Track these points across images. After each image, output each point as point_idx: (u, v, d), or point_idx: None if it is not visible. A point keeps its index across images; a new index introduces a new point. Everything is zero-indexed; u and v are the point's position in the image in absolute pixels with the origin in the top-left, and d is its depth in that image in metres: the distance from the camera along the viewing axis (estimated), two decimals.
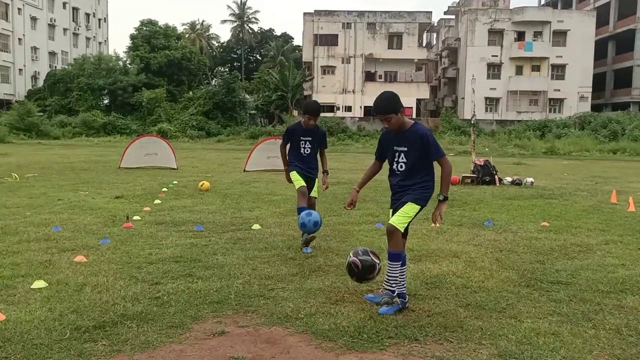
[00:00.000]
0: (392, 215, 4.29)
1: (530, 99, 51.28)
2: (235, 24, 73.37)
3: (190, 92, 49.75)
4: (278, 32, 78.58)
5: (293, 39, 74.77)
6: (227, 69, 72.06)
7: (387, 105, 4.10)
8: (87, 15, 66.98)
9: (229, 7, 76.00)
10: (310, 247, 6.15)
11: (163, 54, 49.02)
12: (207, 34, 73.86)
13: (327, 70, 50.91)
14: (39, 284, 4.64)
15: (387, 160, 4.39)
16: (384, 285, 4.27)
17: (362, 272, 4.18)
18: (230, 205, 9.57)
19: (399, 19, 51.39)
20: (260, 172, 16.02)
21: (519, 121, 45.26)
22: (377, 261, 4.23)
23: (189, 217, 8.22)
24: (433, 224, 4.47)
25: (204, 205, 9.57)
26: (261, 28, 78.02)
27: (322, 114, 49.23)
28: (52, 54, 59.67)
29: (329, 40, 50.84)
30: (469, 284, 4.90)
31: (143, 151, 17.07)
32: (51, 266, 5.28)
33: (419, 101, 53.59)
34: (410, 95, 50.46)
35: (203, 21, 73.58)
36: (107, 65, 48.27)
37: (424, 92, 52.89)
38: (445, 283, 4.92)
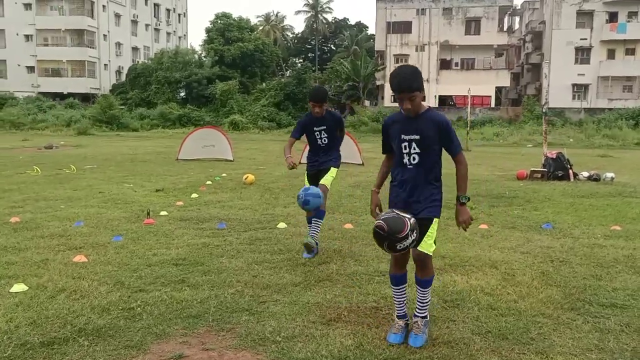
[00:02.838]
0: None
1: (623, 85, 47.35)
2: (309, 14, 73.15)
3: (263, 84, 50.08)
4: (352, 21, 77.65)
5: (367, 27, 73.58)
6: (301, 60, 72.09)
7: (414, 80, 3.31)
8: (168, 10, 69.10)
9: None
10: (312, 254, 5.47)
11: (236, 47, 49.61)
12: (281, 25, 74.18)
13: (400, 58, 49.40)
14: (19, 287, 4.33)
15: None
16: (417, 314, 3.53)
17: (391, 231, 3.22)
18: (267, 201, 9.08)
19: (477, 2, 48.97)
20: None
21: (610, 109, 41.97)
22: (407, 215, 3.30)
23: (217, 213, 7.81)
24: (465, 230, 3.69)
25: (240, 200, 9.15)
26: (335, 18, 77.40)
27: (394, 104, 48.10)
28: (134, 49, 62.08)
29: (402, 27, 49.29)
30: (497, 304, 4.09)
31: (201, 143, 17.01)
32: (44, 267, 4.98)
33: (498, 89, 50.98)
34: (489, 82, 48.07)
35: (277, 13, 74.04)
36: (183, 59, 49.50)
37: (504, 80, 50.18)
38: (469, 302, 4.13)
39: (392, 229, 3.23)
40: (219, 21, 51.68)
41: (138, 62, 57.15)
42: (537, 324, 3.71)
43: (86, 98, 52.60)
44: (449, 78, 48.89)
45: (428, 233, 3.46)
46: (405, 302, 3.60)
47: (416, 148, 3.40)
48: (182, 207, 8.36)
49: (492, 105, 48.49)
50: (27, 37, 55.28)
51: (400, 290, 3.56)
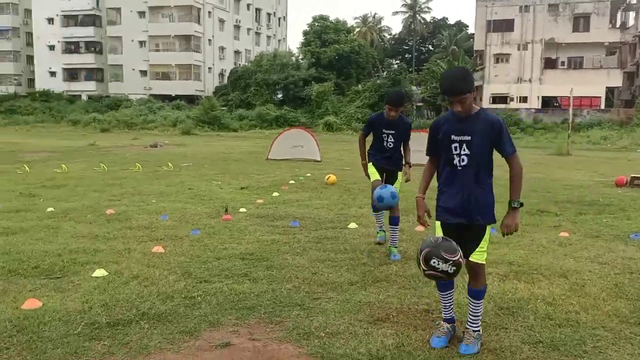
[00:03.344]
0: (447, 229, 3.44)
1: None
2: (407, 14, 72.39)
3: (359, 86, 50.30)
4: (452, 21, 75.88)
5: (467, 26, 71.53)
6: (397, 61, 71.64)
7: (465, 81, 3.27)
8: (268, 15, 71.32)
9: None
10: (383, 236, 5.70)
11: (333, 48, 50.20)
12: (378, 26, 74.01)
13: (501, 58, 47.58)
14: (100, 272, 4.75)
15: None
16: (468, 326, 3.45)
17: (439, 248, 3.20)
18: (344, 201, 9.19)
19: None
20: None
21: None
22: (456, 255, 3.19)
23: (293, 212, 8.03)
24: (504, 235, 3.55)
25: (318, 199, 9.33)
26: (434, 17, 76.00)
27: (494, 105, 46.53)
28: (236, 52, 64.69)
29: (504, 25, 47.39)
30: (556, 314, 3.92)
31: (290, 143, 17.47)
32: (126, 255, 5.42)
33: (609, 90, 47.62)
34: (598, 83, 45.06)
35: (375, 14, 73.87)
36: (281, 61, 50.87)
37: (616, 80, 46.77)
38: (525, 310, 3.99)
39: (442, 249, 3.19)
40: (316, 24, 52.57)
41: (239, 65, 59.52)
42: (595, 337, 3.53)
43: (192, 100, 55.55)
44: (554, 78, 46.36)
45: (481, 243, 3.39)
46: (452, 306, 3.54)
47: (466, 149, 3.33)
48: (261, 204, 8.68)
49: (602, 106, 45.38)
50: (141, 44, 59.35)
51: (448, 295, 3.51)
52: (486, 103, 46.51)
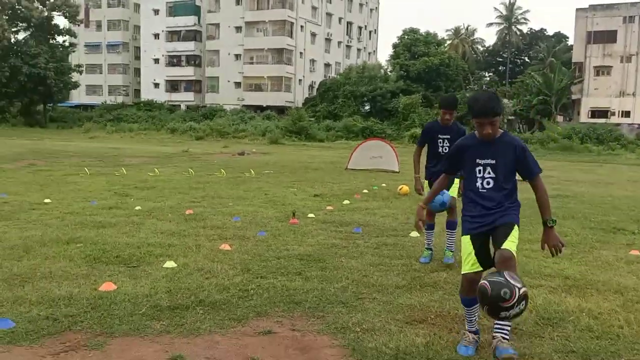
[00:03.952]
0: (477, 239, 3.48)
1: None
2: (502, 26, 70.46)
3: None
4: (550, 32, 72.92)
5: (567, 38, 68.33)
6: (490, 74, 69.84)
7: (496, 105, 3.35)
8: (360, 28, 72.16)
9: (496, 9, 73.48)
10: (428, 257, 5.73)
11: (422, 61, 49.99)
12: (471, 38, 72.57)
13: (601, 70, 45.22)
14: (170, 264, 5.25)
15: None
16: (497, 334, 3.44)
17: (493, 297, 3.00)
18: (412, 211, 9.26)
19: None
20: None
21: None
22: (518, 285, 3.03)
23: (359, 219, 8.27)
24: (553, 255, 3.52)
25: (387, 208, 9.51)
26: (531, 29, 73.41)
27: (592, 120, 44.14)
28: (327, 65, 66.00)
29: (605, 37, 45.05)
30: (597, 327, 3.89)
31: (369, 154, 17.72)
32: (195, 251, 5.90)
33: None
34: None
35: (468, 26, 72.28)
36: (369, 74, 51.30)
37: None
38: (567, 322, 3.99)
39: (495, 295, 2.99)
40: (406, 36, 52.60)
41: (329, 77, 60.66)
42: (633, 350, 3.49)
43: (282, 110, 57.29)
44: None
45: (511, 234, 3.39)
46: (476, 319, 3.59)
47: (491, 173, 3.42)
48: (330, 211, 8.99)
49: None
50: (237, 57, 62.14)
51: (473, 310, 3.54)
52: (584, 117, 44.33)
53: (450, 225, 5.83)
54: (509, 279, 3.05)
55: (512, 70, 69.18)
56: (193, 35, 64.40)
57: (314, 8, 62.89)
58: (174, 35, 65.10)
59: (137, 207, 8.66)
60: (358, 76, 51.23)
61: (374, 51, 76.36)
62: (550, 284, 4.95)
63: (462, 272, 3.53)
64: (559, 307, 4.28)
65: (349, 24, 69.68)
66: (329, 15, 65.50)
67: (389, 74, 52.52)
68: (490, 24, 71.88)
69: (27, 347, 3.37)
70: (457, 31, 71.86)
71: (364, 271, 5.28)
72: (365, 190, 11.99)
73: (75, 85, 58.99)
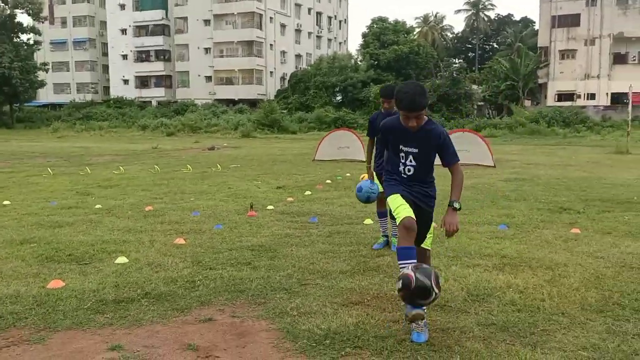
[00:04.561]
0: (408, 201, 3.63)
1: None
2: (470, 12, 71.17)
3: None
4: (517, 17, 73.90)
5: (534, 23, 69.31)
6: (460, 60, 70.47)
7: (425, 97, 3.48)
8: (329, 18, 72.17)
9: None
10: (382, 244, 5.94)
11: (392, 50, 50.35)
12: (440, 25, 73.19)
13: (566, 54, 46.07)
14: (121, 260, 5.36)
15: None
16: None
17: (414, 292, 3.30)
18: None
19: None
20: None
21: None
22: (437, 290, 3.34)
23: (317, 209, 8.45)
24: (447, 235, 3.75)
25: (347, 197, 9.71)
26: (498, 14, 74.45)
27: (559, 103, 44.99)
28: (297, 56, 65.95)
29: (569, 20, 45.87)
30: (521, 301, 4.13)
31: (336, 145, 17.91)
32: (149, 246, 6.02)
33: None
34: None
35: (437, 13, 72.93)
36: (340, 64, 51.48)
37: None
38: (493, 297, 4.23)
39: (416, 291, 3.27)
40: (375, 26, 52.86)
41: (300, 68, 60.65)
42: (550, 322, 3.73)
43: (254, 103, 57.17)
44: (624, 74, 44.35)
45: (430, 230, 3.65)
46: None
47: (412, 161, 3.61)
48: (290, 202, 9.16)
49: None
50: (206, 50, 61.74)
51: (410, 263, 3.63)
52: (551, 101, 45.17)
53: (382, 215, 6.06)
54: (434, 285, 3.30)
55: (482, 56, 70.02)
56: (161, 30, 63.75)
57: None
58: (141, 30, 64.34)
59: (97, 206, 8.71)
60: (329, 67, 51.39)
61: (345, 41, 76.49)
62: (487, 263, 5.19)
63: (399, 220, 3.54)
64: (488, 284, 4.52)
65: (319, 14, 69.66)
66: (297, 5, 65.38)
67: (360, 63, 52.74)
68: (459, 11, 72.86)
69: None
70: (426, 19, 72.38)
71: (312, 259, 5.46)
72: (329, 181, 12.19)
73: (42, 84, 57.94)
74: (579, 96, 45.47)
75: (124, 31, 64.89)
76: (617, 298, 4.17)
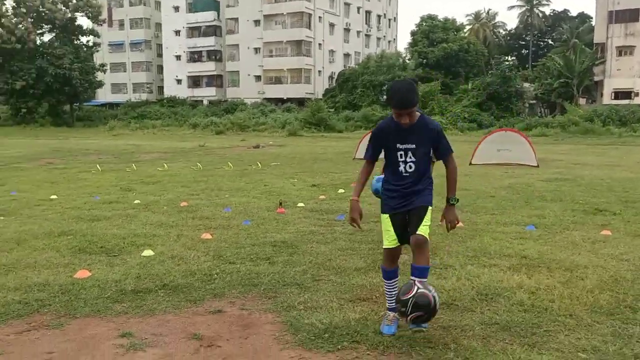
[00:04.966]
0: (395, 218, 3.67)
1: None
2: (524, 8, 69.27)
3: (469, 84, 49.19)
4: (574, 12, 71.40)
5: (591, 18, 66.77)
6: (513, 58, 68.82)
7: (415, 94, 3.54)
8: (379, 16, 71.84)
9: None
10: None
11: (440, 48, 49.66)
12: (492, 22, 71.59)
13: (624, 50, 44.19)
14: (147, 252, 5.61)
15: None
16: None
17: (430, 312, 3.38)
18: None
19: None
20: (487, 166, 15.22)
21: None
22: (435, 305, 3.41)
23: (346, 207, 8.41)
24: (448, 230, 3.78)
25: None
26: (553, 10, 72.18)
27: (615, 101, 43.21)
28: (346, 55, 65.99)
29: (628, 15, 43.97)
30: (529, 301, 4.09)
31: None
32: (175, 240, 6.26)
33: None
34: None
35: (489, 10, 71.50)
36: (387, 62, 51.16)
37: None
38: (501, 297, 4.20)
39: (432, 311, 3.37)
40: (424, 24, 52.27)
41: (348, 67, 60.67)
42: (555, 323, 3.69)
43: (302, 102, 57.58)
44: None
45: (425, 219, 3.62)
46: (396, 295, 3.82)
47: (412, 157, 3.60)
48: (321, 200, 9.26)
49: None
50: (256, 50, 62.65)
51: (393, 283, 3.76)
52: (607, 98, 43.48)
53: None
54: (435, 304, 3.39)
55: (536, 53, 68.05)
56: (213, 31, 65.11)
57: None
58: (194, 31, 65.91)
59: (136, 201, 9.08)
60: (376, 65, 51.15)
61: (394, 39, 75.93)
62: (504, 263, 5.14)
63: (384, 247, 3.75)
64: (499, 284, 4.49)
65: (368, 12, 69.44)
66: (347, 4, 65.39)
67: (408, 62, 52.26)
68: (512, 7, 70.80)
69: None
70: (477, 16, 70.96)
71: (330, 255, 5.55)
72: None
73: (100, 84, 60.25)
74: (637, 94, 43.55)
75: (177, 32, 66.68)
76: (631, 301, 4.06)
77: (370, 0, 69.61)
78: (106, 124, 53.11)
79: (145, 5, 71.73)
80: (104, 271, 4.99)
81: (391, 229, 3.71)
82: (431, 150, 3.69)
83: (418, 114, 3.65)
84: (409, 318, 3.37)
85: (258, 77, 62.57)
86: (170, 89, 65.93)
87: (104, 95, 71.02)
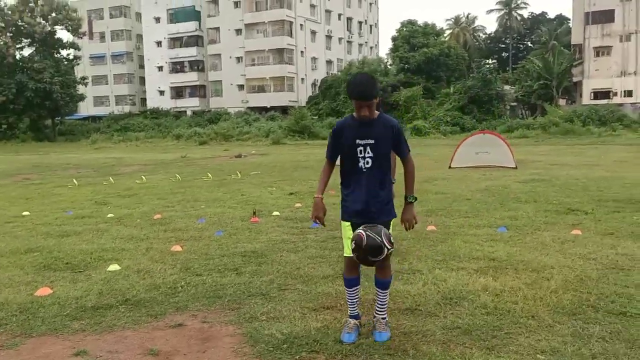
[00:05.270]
0: (356, 227, 3.63)
1: None
2: (502, 12, 70.02)
3: (451, 88, 49.50)
4: (552, 15, 72.28)
5: (569, 20, 67.62)
6: (494, 61, 69.41)
7: (374, 87, 3.54)
8: (360, 23, 72.17)
9: None
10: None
11: (421, 52, 49.93)
12: (472, 26, 72.30)
13: (601, 51, 44.77)
14: (113, 267, 5.52)
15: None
16: (377, 314, 3.69)
17: (366, 250, 3.37)
18: None
19: None
20: (466, 169, 15.28)
21: None
22: (389, 246, 3.41)
23: None
24: (406, 229, 3.77)
25: None
26: (531, 13, 72.98)
27: (595, 101, 43.74)
28: (328, 62, 66.14)
29: (604, 16, 44.58)
30: (493, 304, 4.08)
31: None
32: (144, 253, 6.17)
33: None
34: None
35: (468, 14, 72.03)
36: (369, 68, 51.35)
37: None
38: (466, 300, 4.19)
39: (368, 248, 3.37)
40: (404, 29, 52.57)
41: (331, 74, 60.81)
42: (516, 325, 3.67)
43: (285, 110, 57.57)
44: None
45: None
46: (358, 302, 3.79)
47: (370, 152, 3.59)
48: (297, 208, 9.21)
49: None
50: (238, 59, 62.59)
51: (354, 291, 3.74)
52: (586, 99, 43.99)
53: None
54: (385, 242, 3.40)
55: (515, 55, 68.75)
56: (195, 41, 64.95)
57: (313, 6, 63.07)
58: (176, 41, 65.72)
59: (110, 215, 8.96)
60: (358, 71, 51.27)
61: (376, 45, 76.31)
62: (472, 266, 5.13)
63: (344, 255, 3.74)
64: (465, 288, 4.47)
65: (349, 19, 69.75)
66: (328, 12, 65.63)
67: (389, 67, 52.49)
68: (491, 11, 71.83)
69: None
70: (457, 20, 71.62)
71: (299, 264, 5.50)
72: None
73: (82, 98, 59.80)
74: (616, 94, 44.10)
75: (159, 43, 66.41)
76: (594, 300, 4.07)
77: (351, 7, 69.95)
78: (89, 137, 52.61)
79: (126, 17, 71.43)
80: (66, 288, 4.89)
81: (351, 237, 3.67)
82: (390, 149, 3.68)
83: (377, 112, 3.64)
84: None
85: (241, 86, 62.48)
86: (153, 101, 65.59)
87: (86, 108, 70.47)
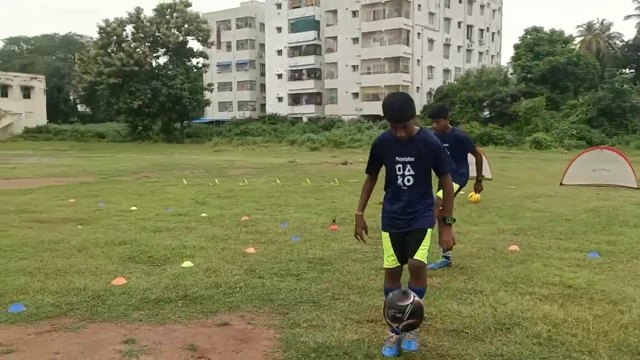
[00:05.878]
0: (395, 238, 3.67)
1: None
2: None
3: (578, 99, 46.26)
4: None
5: None
6: (632, 70, 63.72)
7: (410, 108, 3.51)
8: (481, 31, 69.79)
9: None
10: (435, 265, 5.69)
11: (546, 61, 47.21)
12: (606, 33, 66.89)
13: None
14: (187, 264, 5.84)
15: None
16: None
17: (420, 322, 3.46)
18: (465, 219, 9.13)
19: None
20: (579, 187, 14.22)
21: None
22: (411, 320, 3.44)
23: None
24: (446, 251, 3.64)
25: None
26: None
27: None
28: (446, 71, 64.70)
29: None
30: (548, 334, 3.77)
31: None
32: (219, 253, 6.45)
33: None
34: None
35: (603, 20, 66.72)
36: (488, 77, 49.51)
37: None
38: (519, 328, 3.91)
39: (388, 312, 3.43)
40: (529, 36, 50.05)
41: (448, 83, 59.45)
42: (566, 358, 3.37)
43: None
44: None
45: (423, 242, 3.54)
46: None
47: (411, 170, 3.54)
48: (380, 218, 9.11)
49: None
50: (354, 67, 63.23)
51: None
52: None
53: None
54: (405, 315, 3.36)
55: None
56: (313, 49, 66.67)
57: (431, 14, 62.12)
58: (295, 50, 67.89)
59: (203, 214, 9.47)
60: (476, 81, 49.68)
61: (498, 53, 73.35)
62: (542, 292, 4.78)
63: (384, 266, 3.76)
64: (523, 314, 4.18)
65: (469, 27, 67.75)
66: (447, 19, 64.28)
67: (509, 76, 50.21)
68: (629, 17, 65.69)
69: (22, 326, 4.07)
70: (589, 26, 66.68)
71: (360, 274, 5.47)
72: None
73: (207, 103, 63.78)
74: None
75: (279, 52, 69.02)
76: None
77: (472, 15, 67.93)
78: (211, 140, 56.01)
79: (251, 27, 75.06)
80: (139, 280, 5.26)
81: (390, 248, 3.66)
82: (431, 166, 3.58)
83: (417, 127, 3.56)
84: (403, 324, 3.37)
85: (356, 94, 63.03)
86: (272, 107, 68.23)
87: (211, 113, 74.93)
